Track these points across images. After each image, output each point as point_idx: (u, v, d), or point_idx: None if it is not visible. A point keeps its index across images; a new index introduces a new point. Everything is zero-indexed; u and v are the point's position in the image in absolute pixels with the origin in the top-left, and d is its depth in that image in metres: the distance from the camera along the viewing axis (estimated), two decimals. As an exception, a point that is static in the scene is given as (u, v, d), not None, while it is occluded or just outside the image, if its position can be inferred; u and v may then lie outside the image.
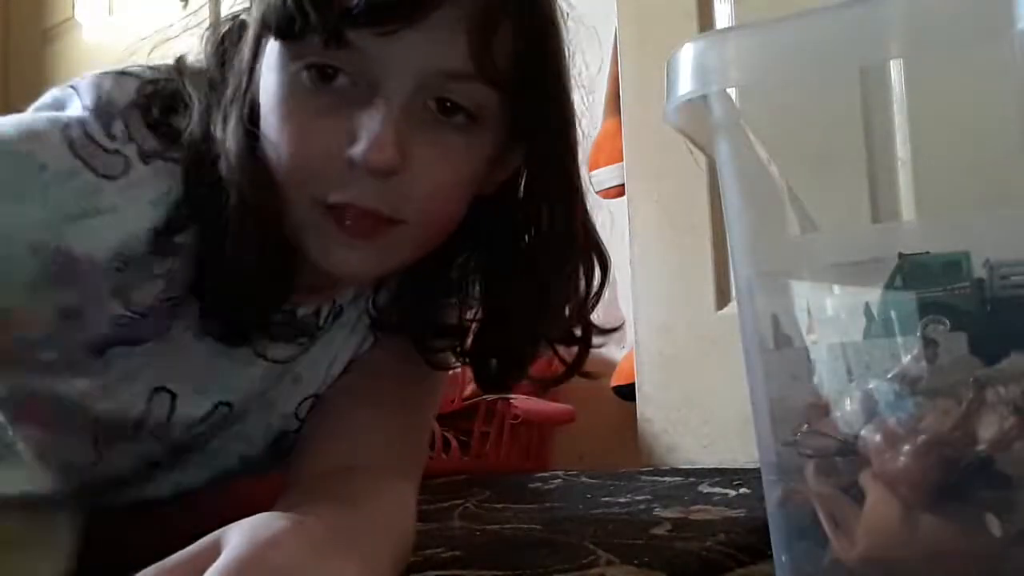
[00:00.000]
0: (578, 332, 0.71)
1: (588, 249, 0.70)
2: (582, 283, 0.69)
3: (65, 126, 0.59)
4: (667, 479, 1.20)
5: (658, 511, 0.93)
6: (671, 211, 1.44)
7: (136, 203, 0.60)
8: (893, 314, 0.50)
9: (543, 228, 0.67)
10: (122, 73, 0.62)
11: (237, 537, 0.43)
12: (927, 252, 0.51)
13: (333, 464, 0.66)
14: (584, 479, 1.25)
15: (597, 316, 0.74)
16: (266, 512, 0.46)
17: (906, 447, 0.47)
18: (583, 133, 0.70)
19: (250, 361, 0.68)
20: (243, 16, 0.65)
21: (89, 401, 0.64)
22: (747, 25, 0.57)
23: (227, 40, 0.65)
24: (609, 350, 1.62)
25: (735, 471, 1.20)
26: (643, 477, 1.23)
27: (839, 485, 0.49)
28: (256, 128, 0.61)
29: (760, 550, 0.71)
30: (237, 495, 0.78)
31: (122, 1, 2.38)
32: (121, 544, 0.59)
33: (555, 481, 1.24)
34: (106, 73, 0.62)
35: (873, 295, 0.51)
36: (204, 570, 0.41)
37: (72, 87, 0.62)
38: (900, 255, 0.51)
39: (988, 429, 0.45)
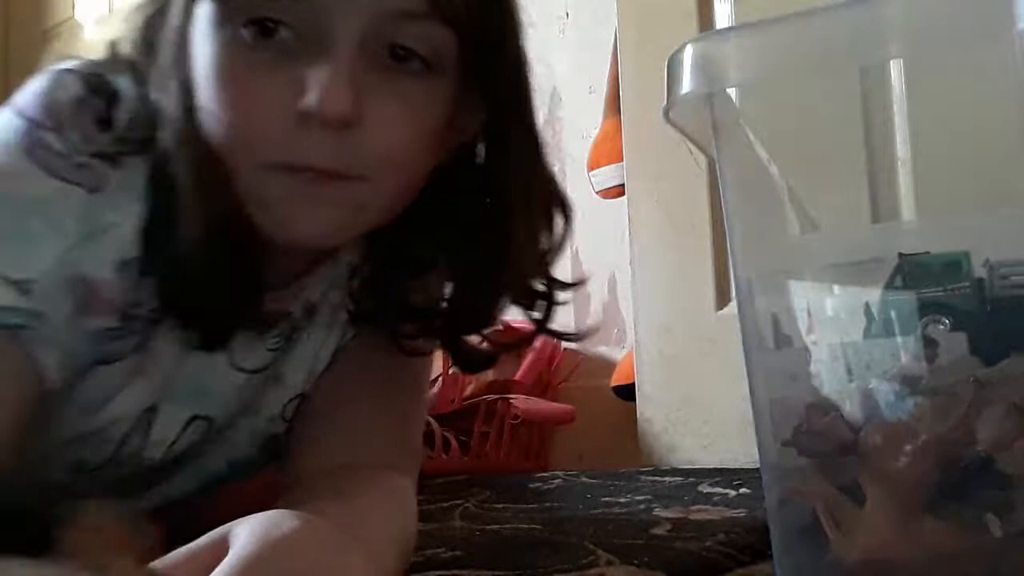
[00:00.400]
0: (542, 288, 0.68)
1: (550, 203, 0.67)
2: (544, 237, 0.66)
3: (28, 151, 0.56)
4: (667, 479, 1.20)
5: (658, 511, 0.93)
6: (671, 211, 1.43)
7: (123, 211, 0.58)
8: (893, 314, 0.50)
9: (506, 187, 0.64)
10: (63, 71, 0.59)
11: (246, 535, 0.42)
12: (927, 252, 0.51)
13: (330, 462, 0.65)
14: (584, 479, 1.25)
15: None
16: (274, 509, 0.46)
17: (906, 447, 0.47)
18: (544, 103, 0.67)
19: (227, 374, 0.66)
20: None
21: (66, 424, 0.61)
22: (747, 25, 0.57)
23: (154, 16, 0.61)
24: (609, 350, 1.62)
25: (735, 471, 1.20)
26: (643, 477, 1.23)
27: (839, 485, 0.49)
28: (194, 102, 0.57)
29: (760, 550, 0.71)
30: (227, 496, 0.77)
31: (122, 1, 2.38)
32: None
33: (555, 481, 1.24)
34: (48, 73, 0.59)
35: (873, 295, 0.51)
36: (212, 567, 0.40)
37: (11, 108, 0.58)
38: (900, 255, 0.51)
39: (988, 429, 0.45)
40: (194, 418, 0.67)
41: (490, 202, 0.64)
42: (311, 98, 0.53)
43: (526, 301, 0.68)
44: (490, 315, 0.68)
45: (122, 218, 0.58)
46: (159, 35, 0.59)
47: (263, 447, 0.73)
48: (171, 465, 0.69)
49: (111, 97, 0.59)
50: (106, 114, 0.58)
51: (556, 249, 0.67)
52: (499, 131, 0.63)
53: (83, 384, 0.61)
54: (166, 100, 0.57)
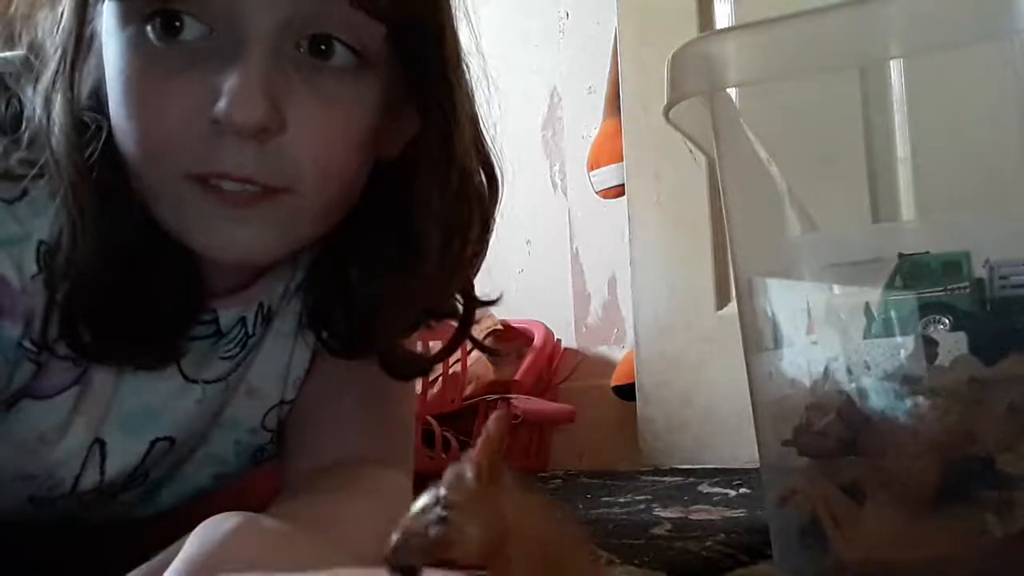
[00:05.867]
0: (456, 304, 0.64)
1: (470, 213, 0.60)
2: (460, 249, 0.60)
3: None
4: (667, 479, 1.20)
5: (658, 511, 0.93)
6: (671, 211, 1.44)
7: (25, 226, 0.53)
8: (893, 314, 0.50)
9: (420, 192, 0.58)
10: None
11: (191, 540, 0.43)
12: (927, 252, 0.51)
13: (316, 462, 0.63)
14: (584, 479, 1.24)
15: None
16: (223, 513, 0.45)
17: (906, 447, 0.47)
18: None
19: (183, 389, 0.61)
20: None
21: (5, 462, 0.58)
22: (747, 25, 0.57)
23: (47, 18, 0.55)
24: (609, 350, 1.62)
25: (735, 471, 1.20)
26: (643, 477, 1.23)
27: (839, 485, 0.49)
28: (99, 111, 0.52)
29: (760, 550, 0.71)
30: (217, 503, 0.74)
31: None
32: (98, 558, 0.58)
33: (555, 481, 1.24)
34: None
35: (873, 295, 0.51)
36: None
37: None
38: (900, 255, 0.51)
39: (988, 429, 0.45)
40: (156, 441, 0.63)
41: (404, 208, 0.59)
42: (221, 106, 0.48)
43: (438, 315, 0.64)
44: (397, 326, 0.63)
45: (24, 232, 0.53)
46: (48, 40, 0.54)
47: (251, 460, 0.69)
48: (150, 485, 0.66)
49: (14, 111, 0.54)
50: (9, 129, 0.54)
51: (472, 264, 0.63)
52: (422, 133, 0.57)
53: (15, 420, 0.57)
54: (50, 117, 0.52)
